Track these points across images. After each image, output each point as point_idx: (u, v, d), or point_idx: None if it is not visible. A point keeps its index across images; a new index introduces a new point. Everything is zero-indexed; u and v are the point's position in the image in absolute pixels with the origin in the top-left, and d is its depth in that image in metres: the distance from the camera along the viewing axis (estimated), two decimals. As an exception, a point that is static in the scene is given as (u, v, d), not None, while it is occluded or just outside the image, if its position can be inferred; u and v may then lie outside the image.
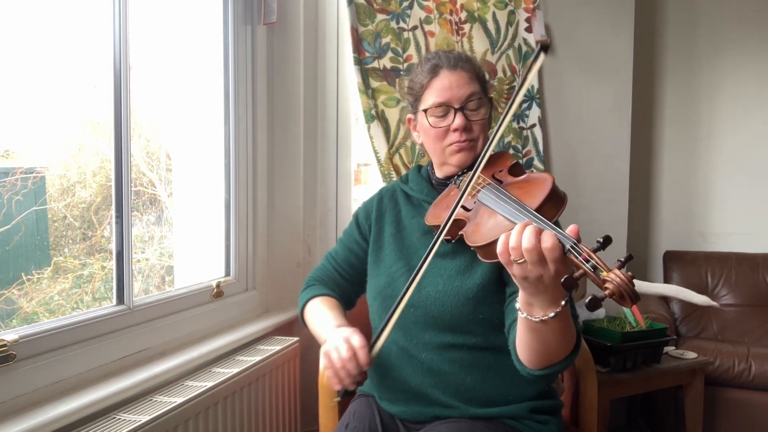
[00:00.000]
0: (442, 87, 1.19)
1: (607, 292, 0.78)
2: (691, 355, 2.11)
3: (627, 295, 0.77)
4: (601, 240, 0.80)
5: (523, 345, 0.99)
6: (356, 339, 1.08)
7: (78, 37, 1.59)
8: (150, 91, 1.80)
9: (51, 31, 1.54)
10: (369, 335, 1.34)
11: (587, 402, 1.52)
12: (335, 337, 1.11)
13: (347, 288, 1.37)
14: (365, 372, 1.08)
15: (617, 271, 0.78)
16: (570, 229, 0.84)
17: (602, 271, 0.79)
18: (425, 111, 1.21)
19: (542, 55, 0.96)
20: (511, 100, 1.02)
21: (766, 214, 2.98)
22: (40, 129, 1.61)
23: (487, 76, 1.27)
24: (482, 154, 1.07)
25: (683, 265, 2.88)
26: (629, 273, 0.79)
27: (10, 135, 1.55)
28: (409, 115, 1.30)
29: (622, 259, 0.79)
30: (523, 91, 1.03)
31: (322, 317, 1.26)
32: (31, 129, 1.59)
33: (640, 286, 2.04)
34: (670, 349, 2.16)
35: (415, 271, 1.06)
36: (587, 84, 2.41)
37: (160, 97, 1.89)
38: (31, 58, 1.50)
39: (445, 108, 1.19)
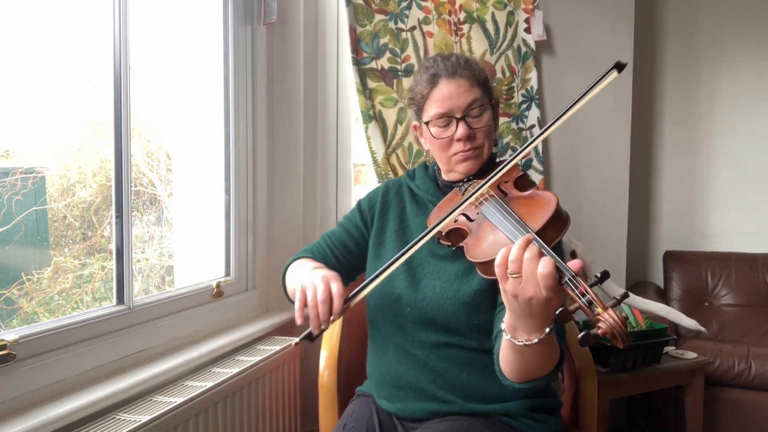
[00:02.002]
0: (442, 97, 1.18)
1: (600, 331, 0.78)
2: (691, 355, 2.11)
3: (620, 337, 0.77)
4: (599, 275, 0.80)
5: (504, 361, 1.00)
6: (336, 285, 1.03)
7: (78, 37, 1.59)
8: (150, 91, 1.80)
9: (51, 31, 1.54)
10: (365, 334, 1.35)
11: (587, 402, 1.52)
12: (315, 275, 1.06)
13: (336, 268, 1.31)
14: (330, 322, 1.02)
15: (612, 312, 0.78)
16: (573, 264, 0.83)
17: (597, 308, 0.79)
18: (427, 123, 1.21)
19: (615, 73, 0.93)
20: (559, 115, 1.01)
21: (766, 214, 2.98)
22: (40, 129, 1.61)
23: (488, 78, 1.25)
24: (496, 171, 1.05)
25: (683, 265, 2.88)
26: (623, 314, 0.79)
27: (10, 135, 1.55)
28: (415, 123, 1.29)
29: (618, 298, 0.79)
30: (577, 107, 1.01)
31: (302, 267, 1.23)
32: (31, 129, 1.59)
33: (633, 301, 2.04)
34: (670, 349, 2.16)
35: (405, 249, 1.03)
36: (587, 84, 2.41)
37: (160, 97, 1.89)
38: (32, 58, 1.51)
39: (446, 118, 1.18)
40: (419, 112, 1.25)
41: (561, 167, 2.39)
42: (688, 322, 2.04)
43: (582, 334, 0.79)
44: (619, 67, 0.93)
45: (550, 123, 1.03)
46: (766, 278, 2.79)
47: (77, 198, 1.76)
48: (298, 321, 1.05)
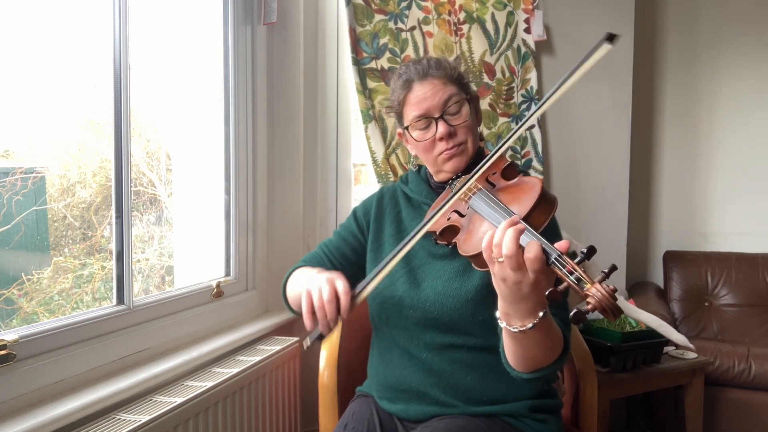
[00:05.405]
0: (418, 99, 1.18)
1: (589, 306, 0.78)
2: (691, 355, 2.11)
3: (609, 310, 0.77)
4: (585, 251, 0.80)
5: (507, 350, 1.01)
6: (341, 283, 1.02)
7: (78, 37, 1.59)
8: (150, 91, 1.80)
9: (51, 31, 1.54)
10: (368, 337, 1.35)
11: (587, 402, 1.52)
12: (319, 278, 1.05)
13: None
14: (339, 321, 1.02)
15: (599, 285, 0.78)
16: (559, 245, 0.84)
17: (586, 284, 0.79)
18: (407, 128, 1.21)
19: (606, 45, 0.86)
20: (548, 95, 0.94)
21: (766, 214, 2.97)
22: (40, 129, 1.61)
23: (463, 74, 1.24)
24: (482, 163, 1.06)
25: (683, 265, 2.88)
26: (612, 286, 0.79)
27: (10, 135, 1.55)
28: (399, 130, 1.30)
29: (606, 271, 0.79)
30: (565, 88, 0.95)
31: (304, 274, 1.23)
32: (31, 129, 1.59)
33: (627, 309, 2.04)
34: (670, 349, 2.16)
35: (402, 244, 1.03)
36: (587, 84, 2.41)
37: (160, 97, 1.89)
38: (32, 58, 1.51)
39: (426, 120, 1.18)
40: (400, 119, 1.26)
41: (561, 167, 2.39)
42: (677, 338, 2.04)
43: (573, 312, 0.79)
44: (611, 38, 0.86)
45: (534, 109, 1.00)
46: (766, 278, 2.79)
47: (77, 198, 1.76)
48: (308, 326, 1.04)
